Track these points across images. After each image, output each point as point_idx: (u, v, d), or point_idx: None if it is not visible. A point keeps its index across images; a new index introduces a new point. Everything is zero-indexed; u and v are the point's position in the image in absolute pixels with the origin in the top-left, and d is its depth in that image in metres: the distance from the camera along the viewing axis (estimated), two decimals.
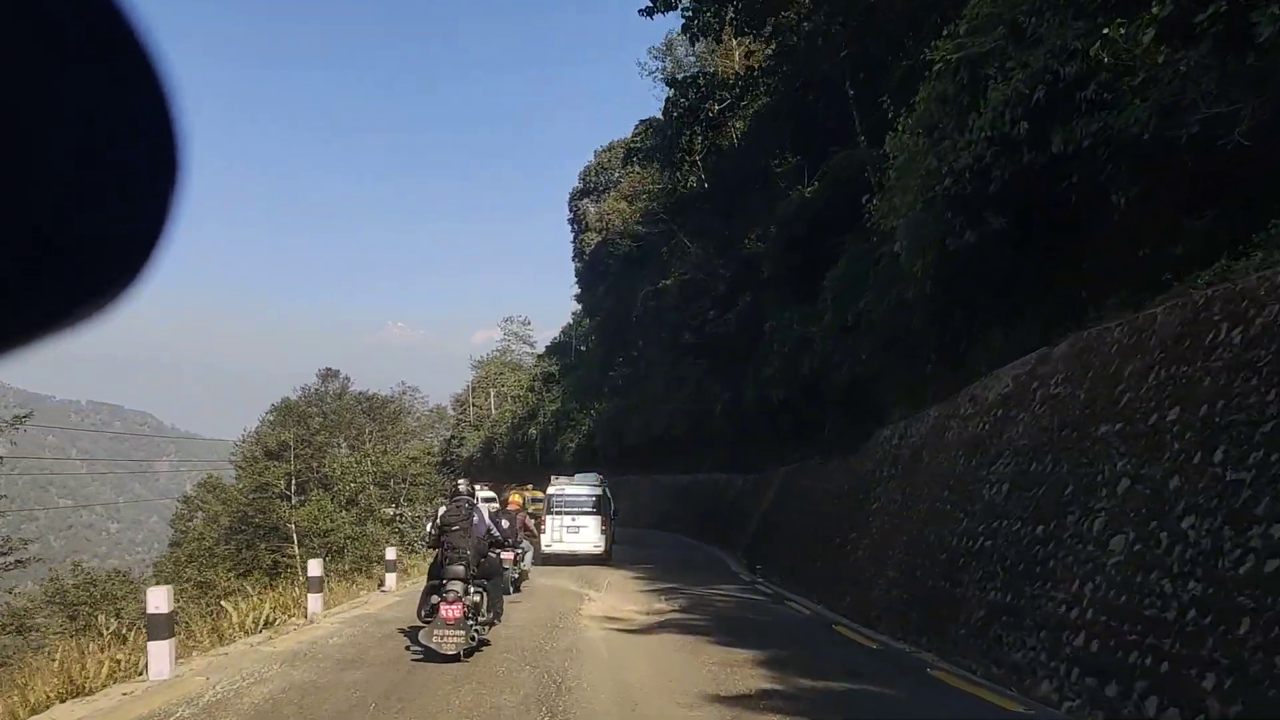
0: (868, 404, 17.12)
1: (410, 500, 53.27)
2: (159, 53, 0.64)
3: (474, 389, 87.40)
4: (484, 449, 72.54)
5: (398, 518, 53.78)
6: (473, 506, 9.97)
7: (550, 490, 22.47)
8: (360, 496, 54.66)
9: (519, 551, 15.33)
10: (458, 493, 10.26)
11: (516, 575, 15.02)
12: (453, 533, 9.66)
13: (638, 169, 49.66)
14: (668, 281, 41.99)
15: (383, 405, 62.30)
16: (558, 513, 21.57)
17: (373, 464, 52.81)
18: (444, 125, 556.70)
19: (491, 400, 77.18)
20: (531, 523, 17.72)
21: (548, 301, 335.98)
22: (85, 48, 0.60)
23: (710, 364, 34.98)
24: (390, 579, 16.57)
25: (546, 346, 75.94)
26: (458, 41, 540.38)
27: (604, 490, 22.48)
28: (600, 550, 21.23)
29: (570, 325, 76.37)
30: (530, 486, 26.91)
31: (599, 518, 21.48)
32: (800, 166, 30.64)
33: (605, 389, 51.38)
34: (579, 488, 22.53)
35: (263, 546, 53.95)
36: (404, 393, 77.20)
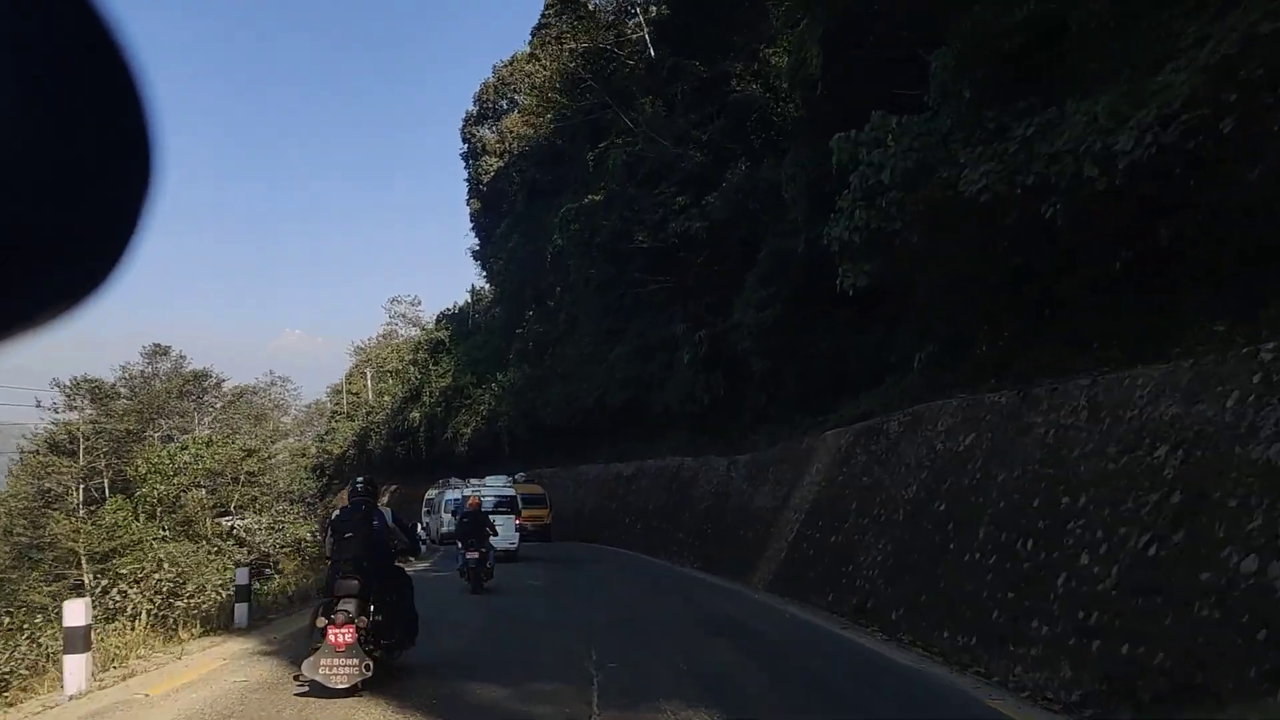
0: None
1: (243, 507, 39.64)
2: (139, 66, 0.62)
3: (351, 375, 73.28)
4: (358, 444, 58.79)
5: (233, 530, 40.25)
6: (372, 508, 8.25)
7: (465, 492, 23.26)
8: (186, 499, 40.87)
9: (484, 550, 15.51)
10: (355, 492, 8.46)
11: (482, 575, 15.37)
12: (346, 541, 7.91)
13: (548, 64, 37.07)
14: (596, 196, 30.08)
15: (216, 385, 47.97)
16: None
17: (191, 457, 38.89)
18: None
19: (368, 382, 63.36)
20: (494, 520, 17.71)
21: (450, 293, 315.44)
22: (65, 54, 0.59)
23: (674, 285, 23.09)
24: (240, 610, 11.67)
25: (437, 316, 62.33)
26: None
27: (514, 491, 24.76)
28: (514, 546, 21.98)
29: (469, 303, 62.35)
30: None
31: (512, 517, 22.56)
32: None
33: (511, 354, 38.85)
34: (493, 489, 24.17)
35: (34, 575, 39.65)
36: (273, 384, 62.73)
